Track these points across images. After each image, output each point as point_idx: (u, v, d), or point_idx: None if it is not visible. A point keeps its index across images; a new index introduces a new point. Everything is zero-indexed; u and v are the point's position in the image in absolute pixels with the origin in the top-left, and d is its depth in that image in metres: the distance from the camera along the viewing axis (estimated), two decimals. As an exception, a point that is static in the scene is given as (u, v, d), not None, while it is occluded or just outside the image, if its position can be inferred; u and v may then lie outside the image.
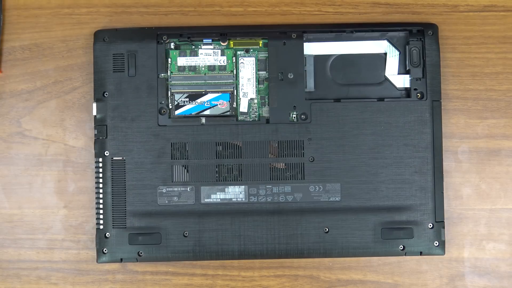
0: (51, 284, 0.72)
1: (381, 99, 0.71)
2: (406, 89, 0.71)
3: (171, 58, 0.71)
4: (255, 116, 0.71)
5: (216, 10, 0.73)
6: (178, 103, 0.71)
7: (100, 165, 0.70)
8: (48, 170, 0.73)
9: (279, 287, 0.72)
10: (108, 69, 0.70)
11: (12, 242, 0.72)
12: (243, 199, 0.70)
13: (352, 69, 0.71)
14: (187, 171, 0.70)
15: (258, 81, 0.71)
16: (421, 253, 0.70)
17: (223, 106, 0.71)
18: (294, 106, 0.70)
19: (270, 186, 0.70)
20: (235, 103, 0.71)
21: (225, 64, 0.71)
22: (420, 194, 0.70)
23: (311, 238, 0.70)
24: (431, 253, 0.70)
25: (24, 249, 0.72)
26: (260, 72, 0.71)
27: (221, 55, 0.71)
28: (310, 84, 0.71)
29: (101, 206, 0.70)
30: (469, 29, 0.73)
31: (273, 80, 0.71)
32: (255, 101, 0.71)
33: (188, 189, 0.70)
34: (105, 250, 0.70)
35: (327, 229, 0.70)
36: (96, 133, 0.70)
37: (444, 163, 0.71)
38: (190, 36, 0.71)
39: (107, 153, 0.70)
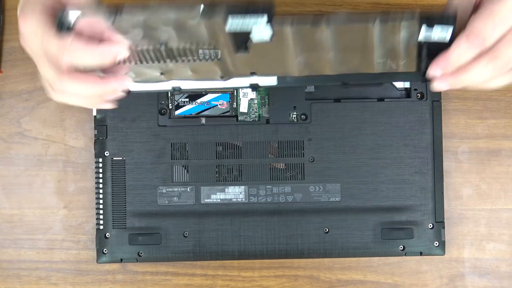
0: (51, 284, 0.72)
1: (381, 99, 0.71)
2: (406, 89, 0.71)
3: (171, 58, 0.71)
4: (255, 116, 0.71)
5: (216, 10, 0.73)
6: (178, 103, 0.71)
7: (100, 165, 0.70)
8: (48, 170, 0.73)
9: (279, 287, 0.72)
10: (108, 69, 0.70)
11: (12, 242, 0.72)
12: (243, 200, 0.70)
13: (352, 69, 0.71)
14: (187, 171, 0.70)
15: (258, 81, 0.71)
16: (421, 253, 0.70)
17: (223, 106, 0.71)
18: (294, 106, 0.70)
19: (270, 187, 0.70)
20: (235, 103, 0.71)
21: (225, 64, 0.71)
22: (420, 195, 0.70)
23: (311, 238, 0.70)
24: (431, 253, 0.70)
25: (24, 249, 0.72)
26: (260, 72, 0.71)
27: (221, 55, 0.71)
28: (310, 84, 0.71)
29: (101, 206, 0.70)
30: (469, 29, 0.73)
31: (273, 80, 0.70)
32: (255, 101, 0.71)
33: (188, 190, 0.70)
34: (105, 251, 0.70)
35: (327, 229, 0.70)
36: (96, 133, 0.70)
37: (444, 164, 0.71)
38: (190, 36, 0.71)
39: (107, 153, 0.70)
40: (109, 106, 0.53)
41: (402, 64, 0.53)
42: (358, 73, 0.54)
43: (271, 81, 0.57)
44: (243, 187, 0.70)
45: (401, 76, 0.55)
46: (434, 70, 0.51)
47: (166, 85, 0.56)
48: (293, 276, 0.72)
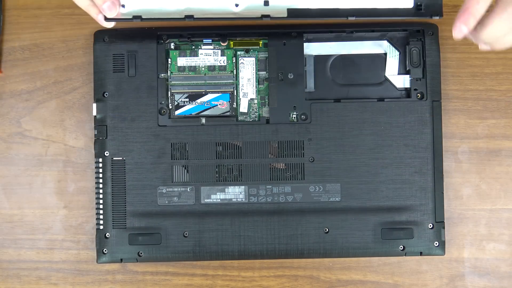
0: (51, 284, 0.72)
1: (381, 99, 0.71)
2: (406, 89, 0.71)
3: (171, 58, 0.71)
4: (255, 116, 0.71)
5: (216, 10, 0.73)
6: (178, 103, 0.71)
7: (100, 165, 0.70)
8: (48, 170, 0.73)
9: (279, 287, 0.72)
10: (108, 69, 0.70)
11: (12, 242, 0.72)
12: (243, 200, 0.70)
13: (352, 69, 0.71)
14: (187, 171, 0.70)
15: (258, 81, 0.71)
16: (421, 253, 0.70)
17: (223, 106, 0.71)
18: (294, 106, 0.70)
19: (270, 187, 0.70)
20: (235, 103, 0.71)
21: (225, 64, 0.71)
22: (420, 194, 0.70)
23: (311, 238, 0.70)
24: (431, 253, 0.70)
25: (24, 249, 0.72)
26: (260, 72, 0.71)
27: (221, 55, 0.71)
28: (310, 84, 0.71)
29: (101, 206, 0.70)
30: (469, 29, 0.73)
31: (273, 80, 0.70)
32: (255, 101, 0.71)
33: (188, 190, 0.70)
34: (105, 251, 0.70)
35: (327, 229, 0.70)
36: (96, 133, 0.70)
37: (444, 163, 0.71)
38: (190, 36, 0.71)
39: (107, 153, 0.70)
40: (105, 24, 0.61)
41: None
42: (362, 8, 0.55)
43: (281, 12, 0.57)
44: (243, 187, 0.70)
45: (400, 12, 0.59)
46: (458, 27, 0.55)
47: (178, 12, 0.55)
48: (293, 276, 0.72)
